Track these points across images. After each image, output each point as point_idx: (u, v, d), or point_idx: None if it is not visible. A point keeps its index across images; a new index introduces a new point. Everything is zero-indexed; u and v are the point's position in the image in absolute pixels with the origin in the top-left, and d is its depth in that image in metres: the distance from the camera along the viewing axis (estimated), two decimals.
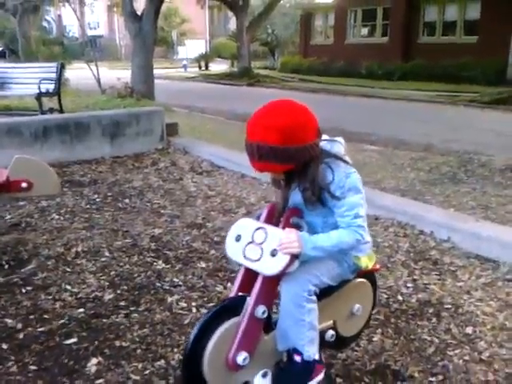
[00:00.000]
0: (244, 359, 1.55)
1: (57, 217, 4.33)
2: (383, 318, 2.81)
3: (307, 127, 1.66)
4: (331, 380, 2.07)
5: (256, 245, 1.60)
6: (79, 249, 3.66)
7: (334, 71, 21.56)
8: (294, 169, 1.69)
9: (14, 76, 8.12)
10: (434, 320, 2.78)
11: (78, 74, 15.23)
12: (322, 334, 1.75)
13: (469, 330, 2.69)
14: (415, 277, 3.26)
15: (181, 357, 2.29)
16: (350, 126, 9.71)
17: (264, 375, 1.60)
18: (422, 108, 13.30)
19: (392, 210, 4.21)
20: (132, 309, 2.93)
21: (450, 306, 2.91)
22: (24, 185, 3.42)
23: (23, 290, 3.10)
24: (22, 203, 4.69)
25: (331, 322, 1.80)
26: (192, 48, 33.25)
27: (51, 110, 7.83)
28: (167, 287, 3.14)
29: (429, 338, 2.62)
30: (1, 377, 2.35)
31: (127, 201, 4.79)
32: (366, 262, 1.80)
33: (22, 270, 3.34)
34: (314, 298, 1.67)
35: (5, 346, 2.58)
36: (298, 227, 1.71)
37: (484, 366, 2.41)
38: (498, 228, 3.75)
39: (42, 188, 3.53)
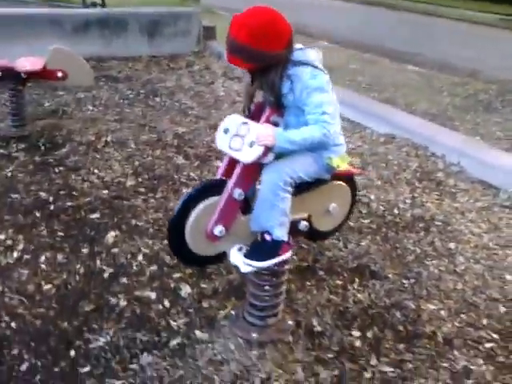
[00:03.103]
0: (220, 231, 1.84)
1: (91, 108, 4.63)
2: (375, 227, 3.05)
3: (277, 36, 1.83)
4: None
5: (240, 137, 1.83)
6: (108, 139, 3.97)
7: None
8: (256, 69, 1.88)
9: None
10: (422, 234, 3.01)
11: None
12: (296, 223, 2.01)
13: (452, 245, 2.91)
14: (415, 194, 3.45)
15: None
16: (397, 44, 9.44)
17: (239, 249, 1.89)
18: (479, 31, 12.63)
19: (409, 131, 4.31)
20: (150, 195, 3.25)
21: (440, 223, 3.12)
22: (60, 74, 3.67)
23: (56, 170, 3.46)
24: (61, 93, 5.00)
25: (306, 215, 2.05)
26: None
27: (94, 4, 7.90)
28: (184, 180, 3.44)
29: (412, 248, 2.86)
30: (34, 238, 2.74)
31: (158, 99, 5.03)
32: (338, 162, 1.99)
33: (56, 153, 3.69)
34: (289, 188, 1.89)
35: (38, 214, 2.96)
36: (275, 124, 1.91)
37: (456, 276, 2.65)
38: (508, 158, 3.83)
39: (77, 79, 3.78)
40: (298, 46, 1.95)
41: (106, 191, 3.25)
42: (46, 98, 4.82)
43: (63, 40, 5.99)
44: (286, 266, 2.02)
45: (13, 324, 2.15)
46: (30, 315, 2.20)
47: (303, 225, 2.04)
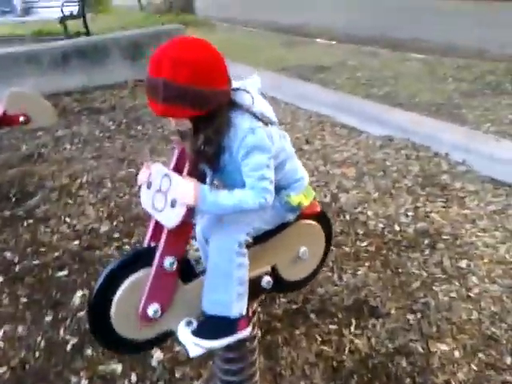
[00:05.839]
0: (155, 311, 1.52)
1: (69, 146, 4.39)
2: (374, 250, 2.70)
3: (220, 69, 1.46)
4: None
5: (162, 194, 1.51)
6: (84, 179, 3.71)
7: None
8: (199, 119, 1.46)
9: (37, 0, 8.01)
10: (428, 252, 2.65)
11: None
12: (257, 280, 1.68)
13: (463, 263, 2.55)
14: (418, 204, 3.09)
15: None
16: (399, 31, 9.03)
17: (188, 324, 1.57)
18: (488, 8, 12.05)
19: (407, 131, 3.95)
20: (125, 240, 2.97)
21: (448, 237, 2.76)
22: (21, 118, 3.42)
23: (25, 223, 3.20)
24: (39, 133, 4.76)
25: (269, 267, 1.71)
26: None
27: (78, 34, 7.72)
28: None
29: (417, 272, 2.51)
30: None
31: (140, 127, 4.76)
32: (300, 199, 1.66)
33: (26, 203, 3.44)
34: (245, 250, 1.57)
35: (1, 279, 2.70)
36: (201, 175, 1.57)
37: (470, 303, 2.29)
38: None
39: (40, 120, 3.52)
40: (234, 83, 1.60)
41: (76, 242, 2.98)
42: (24, 141, 4.59)
43: (44, 76, 5.84)
44: (249, 344, 1.68)
45: None
46: None
47: (266, 280, 1.70)
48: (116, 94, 5.89)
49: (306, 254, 1.78)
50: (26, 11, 7.79)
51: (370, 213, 3.02)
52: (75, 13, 7.72)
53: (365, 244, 2.75)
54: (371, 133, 4.12)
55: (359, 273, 2.53)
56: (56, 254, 2.88)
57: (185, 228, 1.53)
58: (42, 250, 2.93)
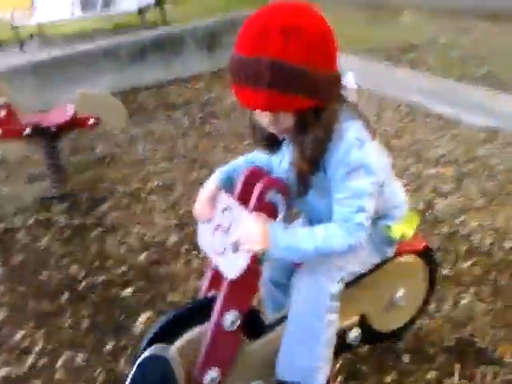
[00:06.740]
0: (213, 378, 1.23)
1: (142, 146, 4.24)
2: (481, 273, 2.26)
3: (334, 47, 1.10)
4: None
5: (223, 232, 1.20)
6: (155, 184, 3.53)
7: None
8: (312, 109, 1.12)
9: None
10: None
11: None
12: (343, 334, 1.33)
13: None
14: None
15: None
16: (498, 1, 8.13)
17: None
18: None
19: None
20: (194, 253, 2.74)
21: None
22: (92, 121, 3.30)
23: (94, 233, 3.07)
24: (115, 132, 4.66)
25: (357, 317, 1.37)
26: None
27: (155, 24, 7.64)
28: None
29: None
30: (55, 331, 2.35)
31: (215, 122, 4.53)
32: (402, 230, 1.29)
33: (97, 210, 3.31)
34: (337, 304, 1.23)
35: (65, 297, 2.57)
36: (272, 208, 1.22)
37: None
38: None
39: (111, 122, 3.39)
40: None
41: (143, 255, 2.80)
42: (99, 141, 4.51)
43: (122, 72, 5.78)
44: None
45: None
46: None
47: (353, 336, 1.36)
48: (191, 88, 5.70)
49: (404, 299, 1.41)
50: (107, 4, 7.80)
51: (473, 224, 2.56)
52: (152, 2, 7.63)
53: (469, 264, 2.31)
54: (472, 123, 3.57)
55: (463, 302, 2.11)
56: (123, 268, 2.71)
57: (251, 277, 1.22)
58: (109, 264, 2.77)
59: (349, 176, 1.13)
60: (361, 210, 1.12)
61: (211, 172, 1.35)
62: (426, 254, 1.46)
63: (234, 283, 1.20)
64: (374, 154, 1.15)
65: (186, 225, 3.00)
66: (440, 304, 2.12)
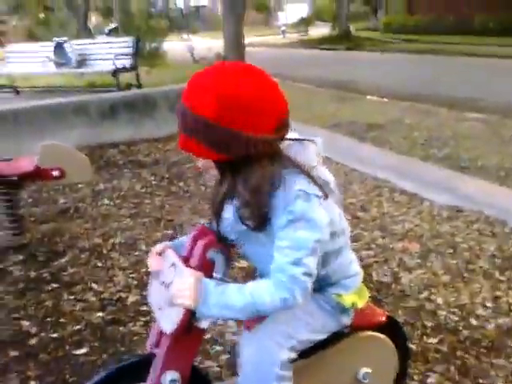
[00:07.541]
0: None
1: (107, 202, 4.16)
2: (447, 350, 2.23)
3: (265, 110, 1.12)
4: None
5: (165, 287, 1.20)
6: (117, 240, 3.43)
7: (443, 29, 19.66)
8: (227, 163, 1.21)
9: (92, 52, 8.13)
10: None
11: (178, 46, 15.59)
12: None
13: None
14: (498, 293, 2.61)
15: None
16: (453, 90, 8.68)
17: None
18: None
19: (479, 202, 3.51)
20: (154, 315, 2.61)
21: None
22: (56, 173, 3.21)
23: (49, 288, 2.92)
24: (80, 185, 4.58)
25: None
26: (292, 12, 32.43)
27: (129, 86, 7.76)
28: None
29: None
30: None
31: (182, 184, 4.51)
32: (354, 299, 1.28)
33: (54, 264, 3.17)
34: (289, 373, 1.19)
35: (14, 353, 2.39)
36: (211, 266, 1.22)
37: None
38: None
39: (75, 175, 3.31)
40: (291, 134, 1.27)
41: (100, 314, 2.65)
42: (63, 194, 4.40)
43: (92, 128, 5.77)
44: None
45: None
46: None
47: None
48: (161, 148, 5.72)
49: (370, 378, 1.36)
50: (81, 63, 7.90)
51: (439, 300, 2.56)
52: (128, 66, 7.77)
53: (435, 341, 2.28)
54: (436, 201, 3.68)
55: (429, 381, 2.06)
56: (77, 327, 2.56)
57: (192, 335, 1.18)
58: (63, 320, 2.61)
59: (291, 225, 1.14)
60: (297, 263, 1.11)
61: (176, 232, 1.35)
62: (389, 328, 1.41)
63: (174, 339, 1.17)
64: (321, 212, 1.16)
65: (147, 285, 2.89)
66: (407, 382, 2.06)
